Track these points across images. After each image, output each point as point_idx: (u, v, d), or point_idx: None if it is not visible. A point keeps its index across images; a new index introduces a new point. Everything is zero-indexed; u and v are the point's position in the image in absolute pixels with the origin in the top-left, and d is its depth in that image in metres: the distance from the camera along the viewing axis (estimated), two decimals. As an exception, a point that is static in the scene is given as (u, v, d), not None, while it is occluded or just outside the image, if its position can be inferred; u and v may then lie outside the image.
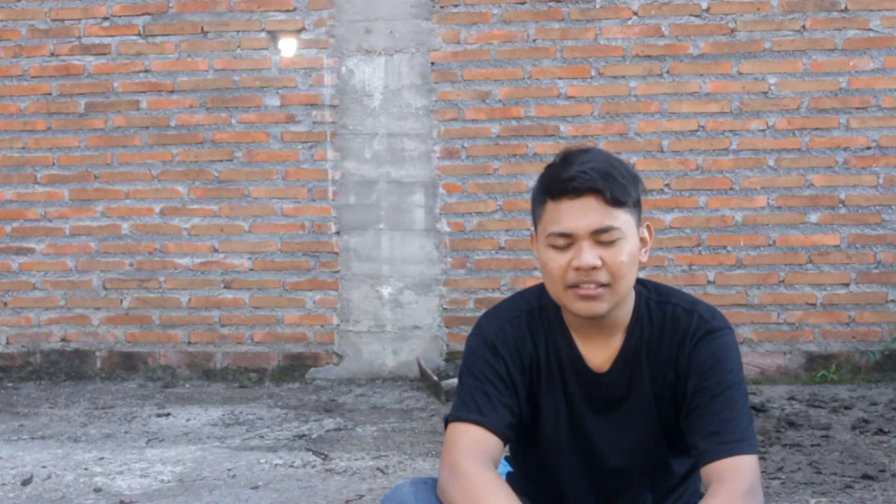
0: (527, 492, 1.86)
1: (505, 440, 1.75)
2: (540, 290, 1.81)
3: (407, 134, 5.22)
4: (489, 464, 1.68)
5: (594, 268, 1.65)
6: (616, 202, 1.65)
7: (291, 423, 4.30)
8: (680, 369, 1.75)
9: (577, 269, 1.65)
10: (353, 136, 5.25)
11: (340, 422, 4.29)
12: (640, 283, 1.80)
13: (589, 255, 1.65)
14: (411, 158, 5.21)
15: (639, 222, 1.72)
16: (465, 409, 1.74)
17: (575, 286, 1.67)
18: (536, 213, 1.73)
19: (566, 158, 1.71)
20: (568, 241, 1.66)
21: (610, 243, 1.65)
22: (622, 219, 1.66)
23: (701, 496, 1.69)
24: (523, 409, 1.79)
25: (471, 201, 5.18)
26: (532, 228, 1.78)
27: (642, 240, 1.74)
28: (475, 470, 1.65)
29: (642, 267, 1.79)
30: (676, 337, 1.76)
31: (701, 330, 1.75)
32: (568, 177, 1.66)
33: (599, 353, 1.78)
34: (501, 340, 1.79)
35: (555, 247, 1.68)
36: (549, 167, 1.74)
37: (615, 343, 1.78)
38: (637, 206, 1.71)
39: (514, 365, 1.78)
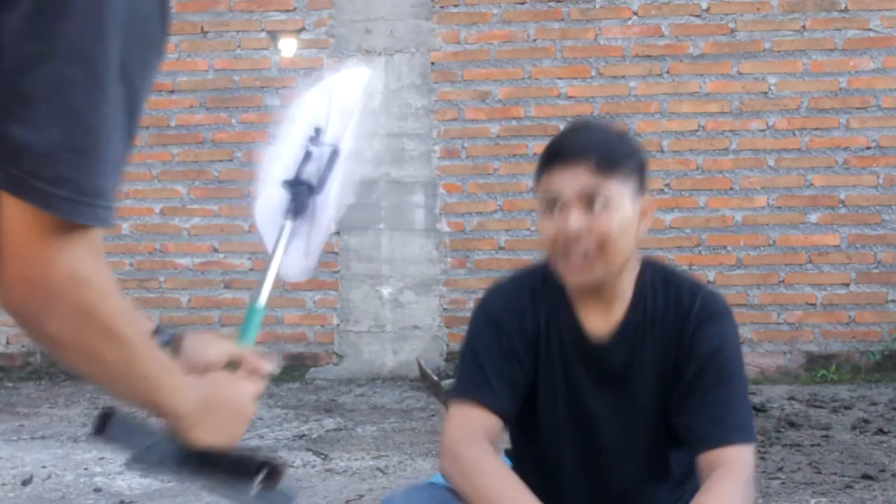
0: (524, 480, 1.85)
1: (505, 417, 1.74)
2: (546, 263, 1.80)
3: (407, 134, 5.21)
4: (487, 442, 1.68)
5: (579, 234, 1.64)
6: (606, 169, 1.65)
7: (291, 423, 4.30)
8: (683, 349, 1.73)
9: (563, 234, 1.65)
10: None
11: (340, 422, 4.29)
12: (647, 262, 1.80)
13: (573, 219, 1.64)
14: (411, 158, 5.21)
15: (637, 195, 1.70)
16: (465, 387, 1.75)
17: (565, 256, 1.67)
18: (537, 183, 1.74)
19: (567, 129, 1.78)
20: (556, 205, 1.67)
21: (598, 210, 1.65)
22: (613, 187, 1.65)
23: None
24: (527, 383, 1.77)
25: (471, 201, 5.18)
26: None
27: (642, 212, 1.72)
28: (472, 450, 1.66)
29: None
30: (681, 315, 1.75)
31: (706, 311, 1.74)
32: (562, 144, 1.70)
33: (601, 325, 1.77)
34: (504, 314, 1.78)
35: (547, 212, 1.69)
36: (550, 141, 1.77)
37: (617, 314, 1.76)
38: (634, 177, 1.70)
39: (518, 339, 1.77)
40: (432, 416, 4.39)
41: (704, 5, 5.03)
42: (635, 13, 5.06)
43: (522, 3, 5.13)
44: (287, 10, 5.27)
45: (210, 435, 1.14)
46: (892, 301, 4.97)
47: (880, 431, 3.90)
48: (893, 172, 4.96)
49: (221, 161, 5.32)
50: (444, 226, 5.20)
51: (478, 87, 5.15)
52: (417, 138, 5.21)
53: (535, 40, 5.12)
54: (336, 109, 1.44)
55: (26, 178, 0.89)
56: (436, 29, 5.18)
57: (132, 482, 3.43)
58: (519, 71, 5.14)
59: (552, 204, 1.67)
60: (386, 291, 5.24)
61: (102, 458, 3.74)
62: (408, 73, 5.20)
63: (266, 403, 4.72)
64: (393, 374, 5.20)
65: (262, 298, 1.35)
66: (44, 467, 3.63)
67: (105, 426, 1.12)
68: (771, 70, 4.99)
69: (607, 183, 1.65)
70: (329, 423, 4.27)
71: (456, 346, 5.16)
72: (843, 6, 4.95)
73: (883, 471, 3.36)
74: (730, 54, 5.01)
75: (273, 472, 1.24)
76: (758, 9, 5.00)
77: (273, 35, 5.29)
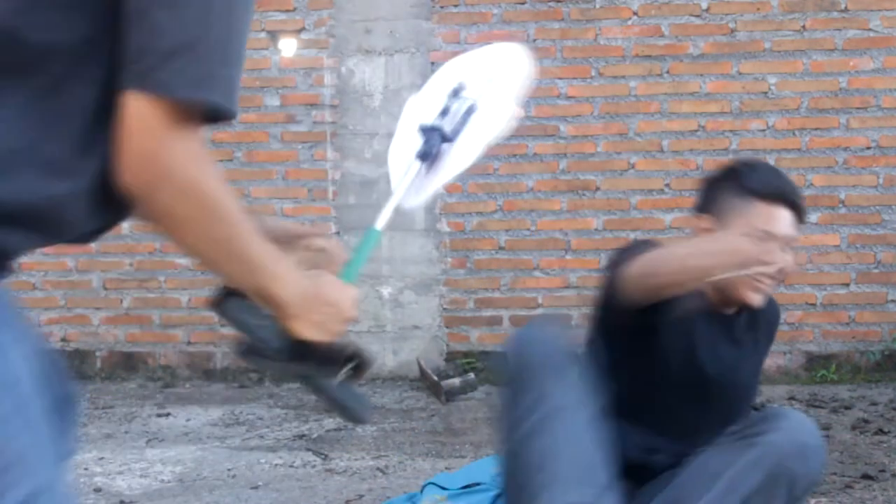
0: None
1: None
2: None
3: (407, 134, 5.20)
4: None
5: (785, 269, 2.04)
6: (802, 219, 2.10)
7: (291, 423, 4.30)
8: (768, 341, 2.30)
9: (776, 265, 1.95)
10: (353, 136, 5.25)
11: (340, 422, 4.29)
12: None
13: (786, 258, 2.03)
14: (411, 158, 5.20)
15: None
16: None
17: (759, 280, 2.03)
18: (733, 206, 2.07)
19: (770, 169, 2.21)
20: (767, 237, 1.99)
21: (791, 251, 2.06)
22: (799, 233, 2.11)
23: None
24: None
25: (471, 201, 5.18)
26: (704, 214, 2.14)
27: None
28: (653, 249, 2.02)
29: None
30: (771, 315, 2.28)
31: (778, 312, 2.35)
32: (786, 189, 2.09)
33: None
34: None
35: (755, 239, 1.98)
36: (750, 170, 2.13)
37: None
38: None
39: None
40: (432, 416, 4.39)
41: (704, 5, 5.03)
42: (635, 13, 5.06)
43: (522, 3, 5.13)
44: (287, 10, 5.26)
45: (310, 328, 1.21)
46: (892, 301, 4.97)
47: (880, 431, 3.90)
48: (893, 172, 4.96)
49: (221, 161, 5.31)
50: (444, 226, 5.20)
51: (478, 87, 5.14)
52: (417, 138, 5.20)
53: (535, 40, 5.12)
54: (484, 72, 1.59)
55: (148, 72, 1.01)
56: (436, 29, 5.18)
57: (132, 482, 3.43)
58: (519, 71, 5.13)
59: (767, 236, 1.99)
60: (386, 291, 5.24)
61: (102, 458, 3.75)
62: (408, 73, 5.20)
63: (266, 403, 4.73)
64: (393, 374, 5.20)
65: (381, 223, 1.55)
66: (44, 467, 3.63)
67: (223, 300, 1.25)
68: (771, 70, 4.99)
69: (800, 230, 2.10)
70: (329, 422, 4.27)
71: (456, 346, 5.16)
72: (843, 6, 4.95)
73: (883, 471, 3.36)
74: (730, 54, 5.01)
75: (360, 363, 1.32)
76: (758, 9, 5.00)
77: (273, 35, 5.29)
